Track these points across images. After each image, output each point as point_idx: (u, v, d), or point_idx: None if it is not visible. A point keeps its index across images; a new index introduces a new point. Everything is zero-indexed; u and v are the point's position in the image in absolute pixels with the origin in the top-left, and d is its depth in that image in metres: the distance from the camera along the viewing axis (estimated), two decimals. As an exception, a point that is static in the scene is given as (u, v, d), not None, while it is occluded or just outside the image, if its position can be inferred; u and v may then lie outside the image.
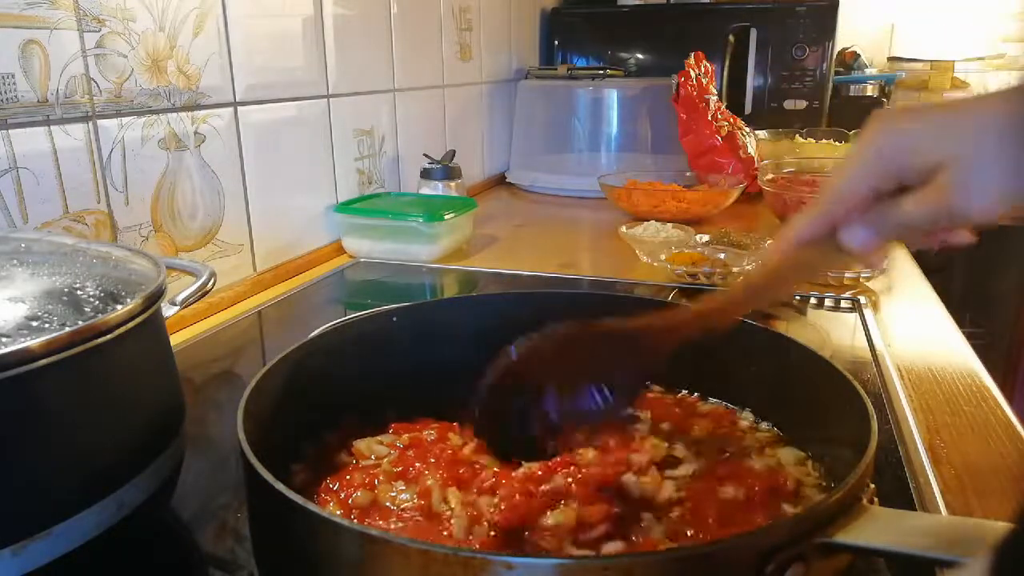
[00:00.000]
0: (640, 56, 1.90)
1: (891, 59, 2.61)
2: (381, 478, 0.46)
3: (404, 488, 0.46)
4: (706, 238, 1.09)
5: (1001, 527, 0.28)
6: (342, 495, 0.45)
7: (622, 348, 0.48)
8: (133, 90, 0.78)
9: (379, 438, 0.52)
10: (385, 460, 0.49)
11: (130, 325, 0.40)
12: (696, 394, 0.60)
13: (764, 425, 0.55)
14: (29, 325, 0.37)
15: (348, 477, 0.47)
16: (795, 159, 1.52)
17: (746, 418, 0.56)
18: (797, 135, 1.72)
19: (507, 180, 1.76)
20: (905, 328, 0.83)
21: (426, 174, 1.29)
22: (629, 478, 0.45)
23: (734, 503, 0.45)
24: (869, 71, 2.36)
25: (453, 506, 0.43)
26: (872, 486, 0.38)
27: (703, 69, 1.52)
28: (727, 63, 1.80)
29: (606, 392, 0.48)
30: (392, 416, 0.55)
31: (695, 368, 0.59)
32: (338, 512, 0.44)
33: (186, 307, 0.54)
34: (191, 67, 0.85)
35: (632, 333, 0.48)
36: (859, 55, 2.35)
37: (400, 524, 0.43)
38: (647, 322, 0.49)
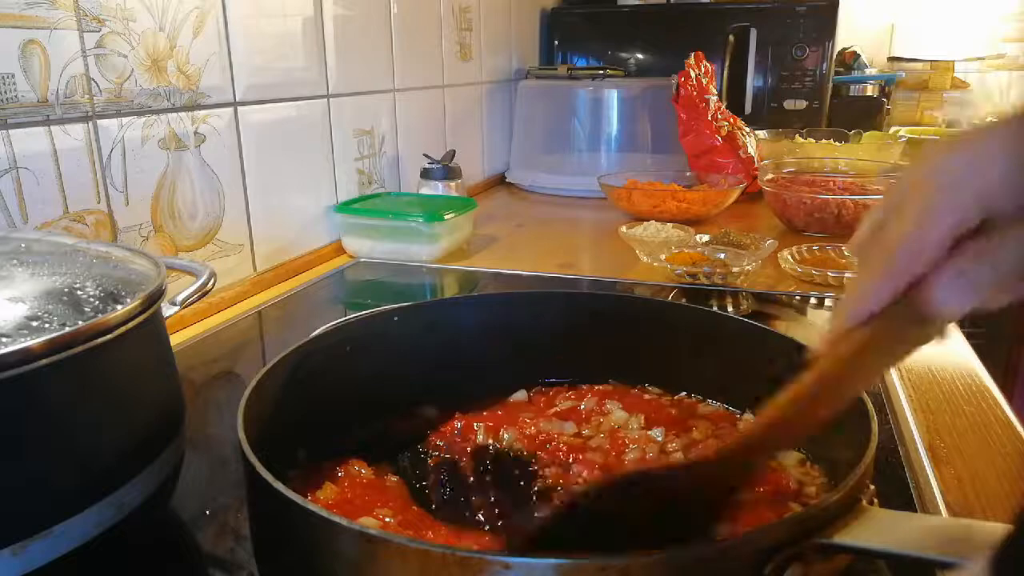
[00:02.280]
0: (640, 56, 1.90)
1: (891, 59, 2.61)
2: None
3: None
4: (706, 238, 1.09)
5: (1001, 528, 0.28)
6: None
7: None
8: (133, 90, 0.78)
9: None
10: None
11: (130, 325, 0.40)
12: (695, 396, 0.59)
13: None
14: (29, 325, 0.37)
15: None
16: (795, 159, 1.52)
17: (747, 420, 0.56)
18: (797, 135, 1.72)
19: (507, 180, 1.76)
20: (905, 328, 0.83)
21: (426, 174, 1.29)
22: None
23: (741, 503, 0.45)
24: (869, 71, 2.36)
25: None
26: (872, 487, 0.38)
27: (703, 69, 1.52)
28: (727, 63, 1.80)
29: None
30: (392, 416, 0.56)
31: (693, 370, 0.59)
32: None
33: (186, 307, 0.54)
34: (191, 67, 0.85)
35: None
36: (859, 55, 2.35)
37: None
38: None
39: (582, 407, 0.57)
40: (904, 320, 0.34)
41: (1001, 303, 0.34)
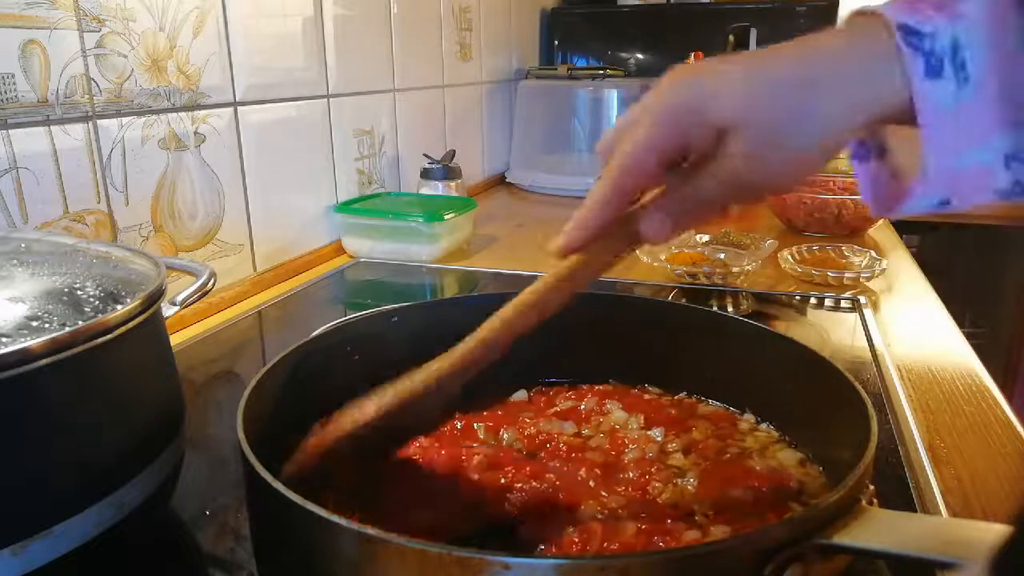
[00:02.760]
0: (640, 56, 1.91)
1: (891, 59, 2.61)
2: None
3: None
4: (706, 238, 1.09)
5: (1000, 529, 0.28)
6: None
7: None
8: (133, 90, 0.78)
9: None
10: None
11: (130, 325, 0.40)
12: (696, 396, 0.59)
13: (764, 426, 0.55)
14: (29, 325, 0.37)
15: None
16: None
17: (747, 420, 0.56)
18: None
19: (507, 180, 1.76)
20: (905, 328, 0.83)
21: (426, 174, 1.29)
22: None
23: (742, 503, 0.45)
24: (869, 71, 2.36)
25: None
26: (872, 487, 0.38)
27: (703, 69, 1.52)
28: (727, 63, 1.80)
29: None
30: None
31: (693, 370, 0.59)
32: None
33: (186, 307, 0.54)
34: (191, 67, 0.85)
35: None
36: (859, 55, 2.35)
37: None
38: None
39: (582, 407, 0.57)
40: (620, 236, 0.41)
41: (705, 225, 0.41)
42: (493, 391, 0.60)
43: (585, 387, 0.61)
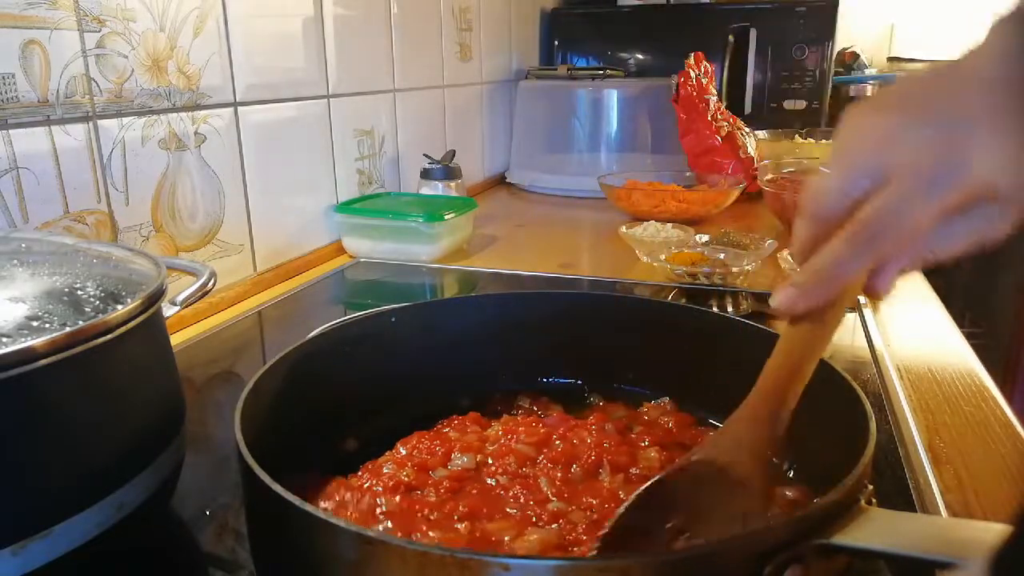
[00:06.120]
0: (640, 56, 1.90)
1: (891, 59, 2.61)
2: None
3: None
4: (706, 238, 1.09)
5: (1000, 529, 0.28)
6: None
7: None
8: (133, 90, 0.78)
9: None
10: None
11: (130, 325, 0.40)
12: (695, 401, 0.58)
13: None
14: (29, 325, 0.37)
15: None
16: (795, 159, 1.52)
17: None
18: (797, 135, 1.72)
19: (507, 180, 1.76)
20: (905, 328, 0.83)
21: (426, 174, 1.29)
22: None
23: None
24: (869, 71, 2.36)
25: None
26: (871, 487, 0.38)
27: (703, 69, 1.52)
28: (727, 63, 1.80)
29: None
30: (391, 416, 0.55)
31: (693, 370, 0.59)
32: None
33: (186, 307, 0.54)
34: (191, 67, 0.85)
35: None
36: (859, 55, 2.35)
37: None
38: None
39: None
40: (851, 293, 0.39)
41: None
42: (492, 392, 0.60)
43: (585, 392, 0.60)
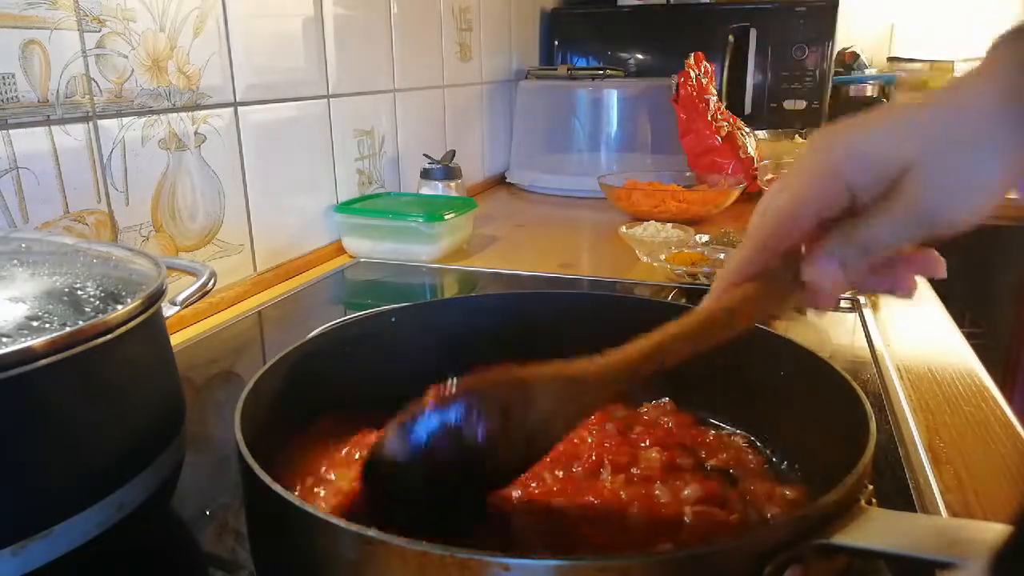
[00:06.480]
0: (640, 56, 1.90)
1: (891, 59, 2.61)
2: None
3: None
4: (706, 238, 1.09)
5: (1000, 528, 0.28)
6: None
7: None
8: (133, 90, 0.78)
9: None
10: None
11: (130, 325, 0.40)
12: (675, 399, 0.58)
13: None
14: (29, 325, 0.37)
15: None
16: (795, 159, 1.52)
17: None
18: (797, 135, 1.72)
19: (507, 180, 1.76)
20: (905, 328, 0.83)
21: (426, 174, 1.29)
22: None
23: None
24: (869, 71, 2.36)
25: None
26: (870, 487, 0.38)
27: (703, 69, 1.52)
28: (727, 63, 1.80)
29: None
30: (390, 417, 0.55)
31: (692, 369, 0.59)
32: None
33: (186, 307, 0.54)
34: (191, 67, 0.85)
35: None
36: (859, 55, 2.36)
37: None
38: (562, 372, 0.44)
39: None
40: (786, 283, 0.39)
41: (878, 289, 0.40)
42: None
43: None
